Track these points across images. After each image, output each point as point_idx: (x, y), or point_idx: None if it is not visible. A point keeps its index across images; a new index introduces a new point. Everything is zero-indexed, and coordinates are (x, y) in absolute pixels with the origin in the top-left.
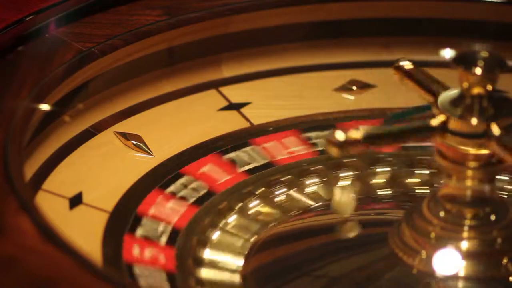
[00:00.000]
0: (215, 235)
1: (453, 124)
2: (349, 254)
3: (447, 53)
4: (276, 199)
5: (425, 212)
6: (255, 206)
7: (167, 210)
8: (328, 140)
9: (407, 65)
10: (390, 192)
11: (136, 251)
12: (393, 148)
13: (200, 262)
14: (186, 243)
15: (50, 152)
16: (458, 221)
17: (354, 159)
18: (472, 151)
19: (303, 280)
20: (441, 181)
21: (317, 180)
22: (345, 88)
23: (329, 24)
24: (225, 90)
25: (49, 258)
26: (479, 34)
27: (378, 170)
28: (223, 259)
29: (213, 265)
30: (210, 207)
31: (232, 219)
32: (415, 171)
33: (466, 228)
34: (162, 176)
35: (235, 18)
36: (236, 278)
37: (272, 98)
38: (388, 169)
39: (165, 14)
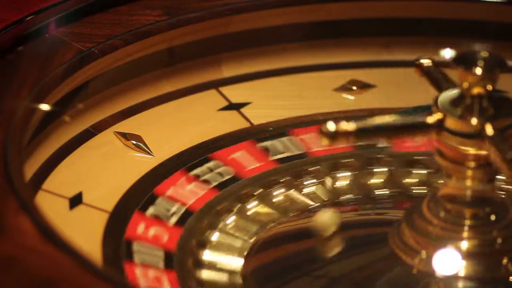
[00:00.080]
0: (215, 237)
1: (453, 124)
2: (349, 254)
3: (447, 53)
4: (274, 200)
5: (425, 212)
6: (253, 207)
7: (186, 192)
8: (320, 130)
9: (426, 63)
10: (387, 192)
11: (140, 228)
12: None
13: (199, 264)
14: (196, 224)
15: (50, 152)
16: (458, 221)
17: (352, 160)
18: (472, 151)
19: (303, 280)
20: (440, 181)
21: (315, 180)
22: (345, 88)
23: (329, 24)
24: (225, 90)
25: (49, 258)
26: (479, 34)
27: (375, 170)
28: (222, 260)
29: (212, 266)
30: (232, 192)
31: (231, 220)
32: (413, 171)
33: (466, 228)
34: (164, 175)
35: (235, 18)
36: (236, 279)
37: (272, 98)
38: (385, 169)
39: (165, 14)
